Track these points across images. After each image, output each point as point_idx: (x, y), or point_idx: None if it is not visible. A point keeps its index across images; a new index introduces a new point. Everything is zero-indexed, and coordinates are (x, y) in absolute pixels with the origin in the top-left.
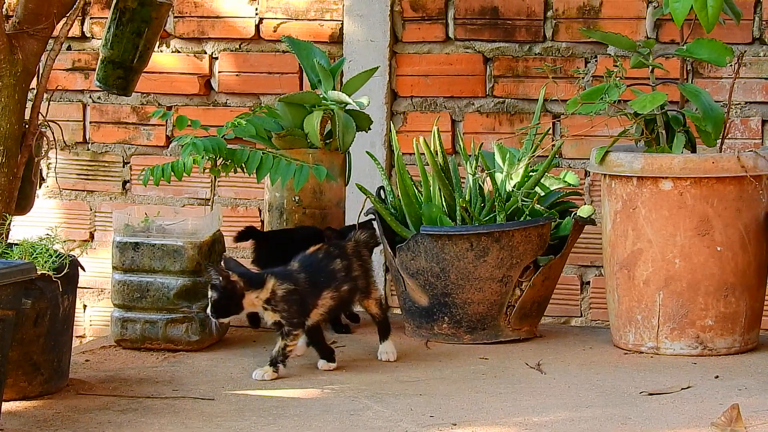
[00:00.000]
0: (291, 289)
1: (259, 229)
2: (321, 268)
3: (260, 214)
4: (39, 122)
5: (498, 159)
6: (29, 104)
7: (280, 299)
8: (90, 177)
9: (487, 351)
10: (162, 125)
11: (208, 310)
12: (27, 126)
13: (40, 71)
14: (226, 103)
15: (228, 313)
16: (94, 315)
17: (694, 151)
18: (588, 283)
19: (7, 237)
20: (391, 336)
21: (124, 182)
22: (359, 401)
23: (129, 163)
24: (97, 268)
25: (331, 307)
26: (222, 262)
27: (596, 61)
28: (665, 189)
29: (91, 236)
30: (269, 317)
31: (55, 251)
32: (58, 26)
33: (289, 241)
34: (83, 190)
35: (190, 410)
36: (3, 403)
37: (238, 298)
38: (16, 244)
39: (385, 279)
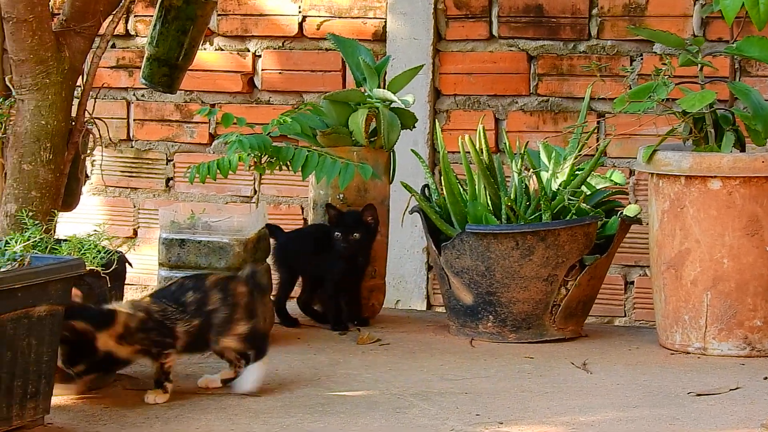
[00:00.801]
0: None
1: (278, 227)
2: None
3: (302, 212)
4: (85, 119)
5: (543, 157)
6: (75, 102)
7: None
8: (134, 174)
9: (532, 350)
10: (205, 123)
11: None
12: (73, 123)
13: (86, 69)
14: (269, 101)
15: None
16: None
17: (743, 150)
18: (632, 282)
19: (54, 233)
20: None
21: (168, 179)
22: (405, 399)
23: (172, 160)
24: (141, 265)
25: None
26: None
27: (642, 59)
28: (714, 188)
29: (135, 233)
30: (125, 353)
31: (103, 247)
32: (104, 24)
33: (307, 239)
34: (127, 187)
35: (236, 406)
36: (51, 397)
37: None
38: (65, 240)
39: (427, 277)
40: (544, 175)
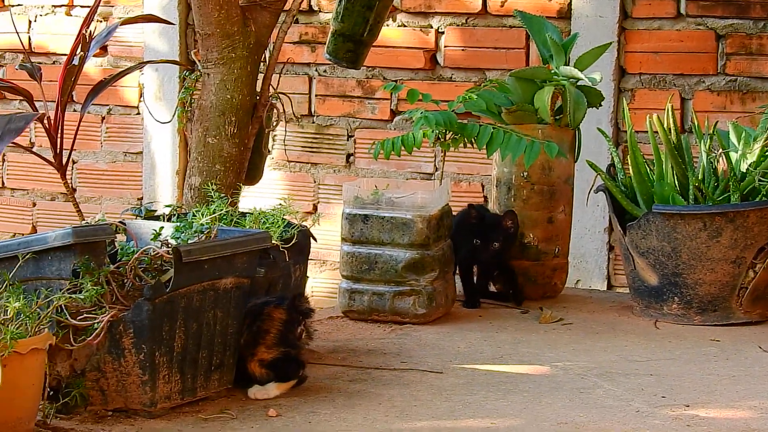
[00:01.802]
0: None
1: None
2: None
3: (483, 190)
4: (269, 94)
5: (733, 138)
6: (260, 76)
7: None
8: (314, 149)
9: (718, 333)
10: (387, 99)
11: None
12: (258, 98)
13: (271, 44)
14: (451, 77)
15: None
16: (316, 286)
17: None
18: None
19: (237, 206)
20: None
21: (348, 155)
22: (589, 379)
23: (353, 136)
24: (320, 240)
25: None
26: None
27: None
28: None
29: (314, 208)
30: None
31: (287, 221)
32: None
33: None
34: (307, 163)
35: (418, 382)
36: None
37: None
38: (249, 213)
39: (609, 257)
40: (734, 156)
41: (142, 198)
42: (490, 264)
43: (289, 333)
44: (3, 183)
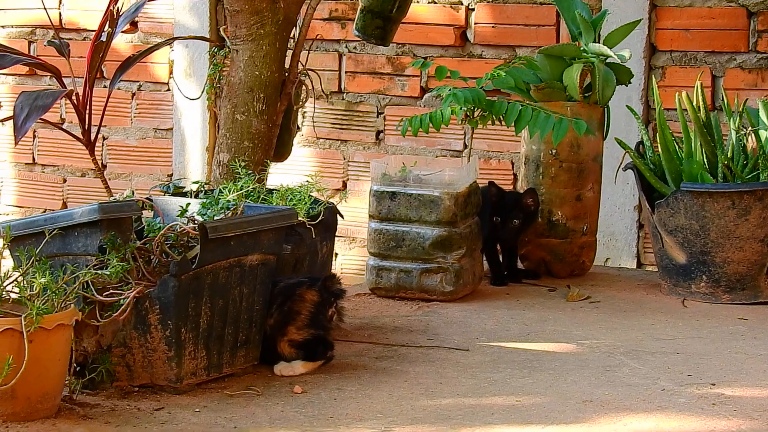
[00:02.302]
0: None
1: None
2: None
3: (512, 167)
4: (298, 71)
5: (763, 116)
6: (288, 53)
7: None
8: (344, 126)
9: (746, 311)
10: (417, 76)
11: None
12: (287, 74)
13: (300, 20)
14: (481, 54)
15: None
16: (345, 263)
17: None
18: None
19: (265, 183)
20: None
21: (378, 132)
22: (615, 357)
23: (383, 113)
24: (349, 217)
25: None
26: None
27: None
28: None
29: (344, 185)
30: None
31: (314, 198)
32: None
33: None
34: (337, 140)
35: (444, 360)
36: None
37: None
38: (276, 190)
39: (638, 235)
40: (763, 134)
41: (172, 174)
42: (510, 241)
43: (320, 315)
44: (34, 159)
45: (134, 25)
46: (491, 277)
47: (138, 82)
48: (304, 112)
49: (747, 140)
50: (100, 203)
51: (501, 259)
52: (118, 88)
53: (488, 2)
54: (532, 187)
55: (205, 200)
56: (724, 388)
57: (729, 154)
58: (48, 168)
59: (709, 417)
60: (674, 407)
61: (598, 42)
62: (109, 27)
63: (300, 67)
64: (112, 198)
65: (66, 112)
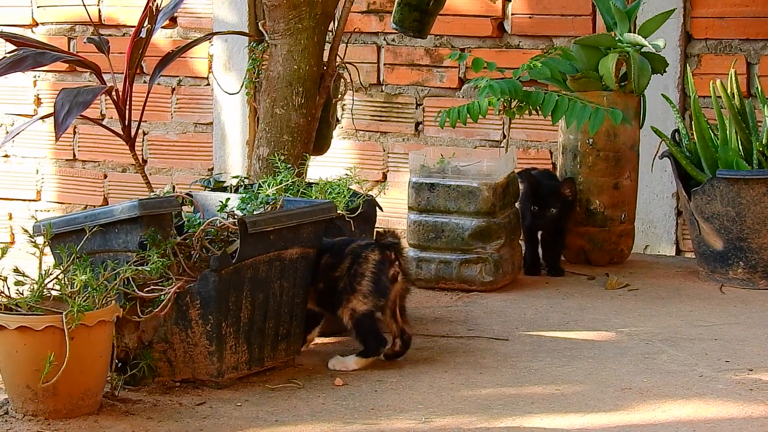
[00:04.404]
0: None
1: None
2: None
3: (551, 157)
4: (337, 64)
5: None
6: (327, 46)
7: None
8: (383, 118)
9: None
10: (455, 67)
11: None
12: (325, 68)
13: (338, 14)
14: (518, 45)
15: None
16: None
17: None
18: None
19: (305, 177)
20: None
21: (417, 123)
22: (653, 344)
23: (422, 104)
24: (389, 209)
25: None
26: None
27: None
28: None
29: (384, 177)
30: None
31: (353, 191)
32: None
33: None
34: (376, 132)
35: (484, 350)
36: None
37: None
38: (315, 183)
39: (677, 222)
40: None
41: (212, 169)
42: (548, 230)
43: (383, 275)
44: (74, 155)
45: (173, 21)
46: (524, 266)
47: (178, 77)
48: (343, 105)
49: None
50: (140, 200)
51: (540, 249)
52: (158, 83)
53: None
54: (570, 176)
55: (244, 195)
56: (761, 373)
57: (764, 141)
58: (89, 164)
59: (746, 402)
60: (712, 393)
61: (634, 31)
62: (149, 23)
63: (338, 60)
64: (152, 193)
65: (106, 108)
